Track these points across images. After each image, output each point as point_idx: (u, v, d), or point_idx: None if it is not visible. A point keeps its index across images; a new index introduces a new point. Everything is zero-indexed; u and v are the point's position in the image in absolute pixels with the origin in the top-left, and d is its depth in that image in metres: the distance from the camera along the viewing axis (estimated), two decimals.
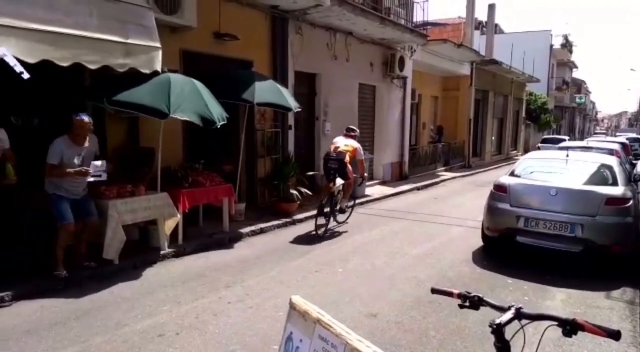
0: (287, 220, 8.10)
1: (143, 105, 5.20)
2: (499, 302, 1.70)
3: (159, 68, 5.50)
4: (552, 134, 38.47)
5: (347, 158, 7.53)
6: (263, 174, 8.75)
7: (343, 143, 7.82)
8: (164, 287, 4.90)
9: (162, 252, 5.94)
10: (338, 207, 7.79)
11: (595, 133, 49.80)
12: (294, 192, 8.46)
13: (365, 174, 8.53)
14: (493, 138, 22.22)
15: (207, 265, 5.67)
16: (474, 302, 1.78)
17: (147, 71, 5.37)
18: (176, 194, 6.09)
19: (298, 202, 8.53)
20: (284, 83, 8.82)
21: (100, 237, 5.21)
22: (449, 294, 1.86)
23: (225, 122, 6.19)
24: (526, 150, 26.59)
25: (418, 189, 12.92)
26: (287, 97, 7.49)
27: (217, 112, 5.96)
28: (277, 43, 8.82)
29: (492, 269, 5.69)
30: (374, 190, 11.77)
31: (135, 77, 5.31)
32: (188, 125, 6.98)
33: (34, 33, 4.33)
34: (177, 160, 7.02)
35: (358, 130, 8.44)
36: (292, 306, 1.95)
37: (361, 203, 10.23)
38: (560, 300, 4.75)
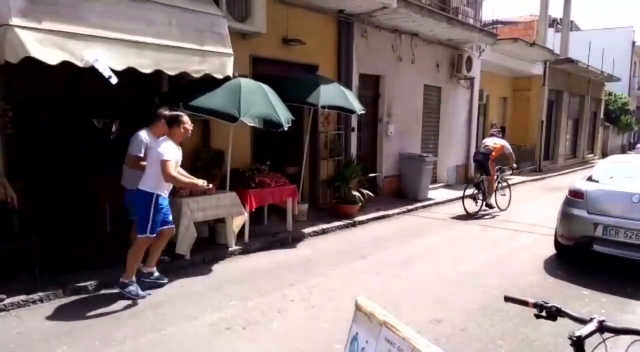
0: (349, 222, 8.14)
1: (215, 109, 5.47)
2: (579, 314, 1.62)
3: (230, 73, 5.76)
4: (635, 137, 35.64)
5: (493, 154, 9.17)
6: (325, 176, 8.86)
7: (492, 142, 9.43)
8: (232, 282, 5.11)
9: (229, 249, 6.19)
10: (484, 202, 9.39)
11: None
12: (356, 193, 8.50)
13: (514, 165, 10.27)
14: (568, 136, 20.90)
15: (271, 263, 5.84)
16: (551, 313, 1.71)
17: (219, 76, 5.65)
18: (244, 194, 6.33)
19: (360, 204, 8.55)
20: (348, 85, 8.89)
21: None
22: (524, 303, 1.80)
23: (290, 124, 6.35)
24: (604, 154, 24.83)
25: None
26: (351, 99, 7.55)
27: (284, 115, 6.13)
28: (342, 46, 8.90)
29: (566, 278, 5.40)
30: (437, 193, 11.51)
31: (208, 83, 5.61)
32: (256, 129, 7.23)
33: (119, 42, 4.71)
34: (245, 161, 7.29)
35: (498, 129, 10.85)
36: (358, 307, 1.99)
37: (424, 206, 10.08)
38: None
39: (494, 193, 9.60)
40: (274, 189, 6.79)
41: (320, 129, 8.73)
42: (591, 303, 4.66)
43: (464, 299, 4.73)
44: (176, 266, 5.46)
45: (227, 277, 5.30)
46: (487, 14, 14.04)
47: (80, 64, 4.39)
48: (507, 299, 1.88)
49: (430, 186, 11.67)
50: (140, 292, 4.56)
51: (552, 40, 20.16)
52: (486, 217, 9.14)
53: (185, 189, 5.53)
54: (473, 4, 12.20)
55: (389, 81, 10.31)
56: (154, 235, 4.56)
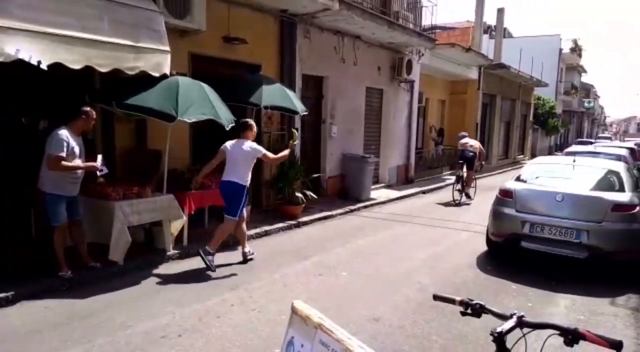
0: (292, 223, 8.13)
1: (151, 108, 5.26)
2: (501, 310, 1.70)
3: (167, 71, 5.56)
4: (561, 139, 38.28)
5: (478, 153, 11.39)
6: (269, 177, 8.78)
7: (473, 142, 11.66)
8: (168, 288, 4.94)
9: (167, 253, 5.98)
10: (465, 192, 11.25)
11: (599, 137, 45.00)
12: (299, 195, 8.49)
13: (483, 162, 12.22)
14: (500, 138, 22.14)
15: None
16: (475, 310, 1.78)
17: (156, 74, 5.43)
18: (182, 196, 6.15)
19: (303, 205, 8.56)
20: (291, 86, 8.87)
21: (107, 238, 5.27)
22: (451, 301, 1.87)
23: (234, 124, 6.23)
24: (533, 155, 26.47)
25: (424, 192, 12.91)
26: (294, 100, 7.54)
27: (226, 115, 6.01)
28: (285, 47, 8.87)
29: (497, 274, 5.68)
30: (379, 193, 11.77)
31: (144, 81, 5.38)
32: (195, 129, 7.06)
33: (46, 36, 4.40)
34: (184, 162, 7.08)
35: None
36: (294, 311, 1.97)
37: (366, 206, 10.26)
38: (564, 306, 4.73)
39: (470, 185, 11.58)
40: (214, 190, 6.62)
41: (263, 130, 8.64)
42: (518, 297, 4.94)
43: (402, 297, 4.86)
44: (109, 272, 5.20)
45: (163, 283, 5.12)
46: (427, 18, 14.61)
47: (0, 58, 4.07)
48: (436, 297, 1.95)
49: (373, 186, 11.91)
50: (214, 266, 5.48)
51: (487, 46, 21.22)
52: (423, 216, 9.47)
53: (117, 191, 5.31)
54: (413, 9, 12.56)
55: (332, 83, 10.40)
56: (238, 218, 5.77)
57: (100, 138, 6.41)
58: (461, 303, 1.83)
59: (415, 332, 4.03)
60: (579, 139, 36.20)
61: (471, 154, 11.28)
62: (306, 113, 8.15)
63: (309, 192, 8.62)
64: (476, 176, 12.07)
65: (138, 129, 6.67)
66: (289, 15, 8.70)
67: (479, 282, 5.41)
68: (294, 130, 6.43)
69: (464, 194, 11.24)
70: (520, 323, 1.64)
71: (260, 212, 8.42)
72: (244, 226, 6.06)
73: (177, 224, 6.10)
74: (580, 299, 4.92)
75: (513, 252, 6.11)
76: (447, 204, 11.13)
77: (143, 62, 5.28)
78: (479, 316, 1.80)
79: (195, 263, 5.86)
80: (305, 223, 8.36)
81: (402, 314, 4.39)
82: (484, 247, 6.70)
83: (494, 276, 5.65)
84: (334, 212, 9.25)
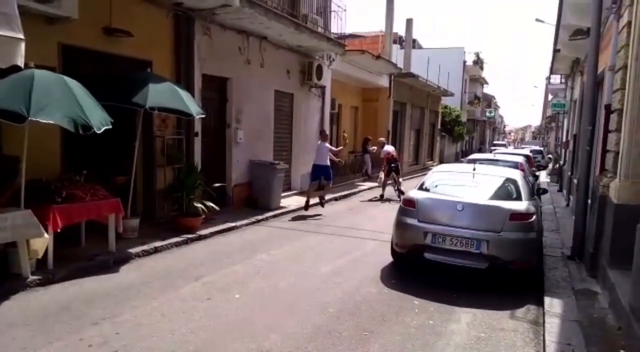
0: (189, 236, 7.36)
1: None
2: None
3: (19, 62, 4.59)
4: (466, 145, 40.69)
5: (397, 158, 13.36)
6: (163, 186, 7.93)
7: (391, 149, 13.46)
8: (14, 326, 4.02)
9: (26, 280, 5.00)
10: (398, 190, 12.82)
11: (494, 144, 44.01)
12: (199, 205, 7.73)
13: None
14: (411, 144, 22.84)
15: (77, 295, 4.82)
16: None
17: (2, 65, 4.47)
18: (45, 210, 5.19)
19: (202, 217, 7.81)
20: (189, 86, 8.13)
21: None
22: None
23: (110, 127, 5.40)
24: (441, 161, 27.68)
25: (336, 200, 12.66)
26: (187, 101, 6.80)
27: (97, 116, 5.17)
28: (181, 44, 8.09)
29: (400, 288, 5.41)
30: (290, 201, 11.31)
31: None
32: (68, 131, 6.06)
33: None
34: (53, 171, 6.07)
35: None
36: None
37: (275, 215, 9.75)
38: (466, 323, 4.52)
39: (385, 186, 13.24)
40: (88, 203, 5.72)
41: (156, 133, 7.79)
42: (421, 314, 4.67)
43: (297, 322, 4.36)
44: None
45: (11, 319, 4.17)
46: (338, 25, 14.67)
47: None
48: None
49: (284, 194, 11.43)
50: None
51: (397, 55, 21.75)
52: (326, 224, 9.13)
53: None
54: (322, 13, 12.33)
55: (237, 85, 9.76)
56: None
57: None
58: None
59: None
60: (494, 142, 43.52)
61: (396, 162, 13.14)
62: (203, 116, 7.46)
63: (209, 204, 7.87)
64: (388, 181, 13.23)
65: None
66: (185, 9, 7.95)
67: (382, 299, 5.08)
68: (344, 134, 10.25)
69: (398, 192, 12.76)
70: None
71: (153, 225, 7.53)
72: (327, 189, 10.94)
73: (40, 244, 5.13)
74: (481, 313, 4.76)
75: (418, 263, 5.90)
76: (357, 211, 10.97)
77: None
78: None
79: (58, 290, 4.93)
80: (205, 237, 7.63)
81: (294, 344, 3.88)
82: (390, 258, 6.45)
83: (397, 290, 5.36)
84: (238, 223, 8.60)
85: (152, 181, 7.82)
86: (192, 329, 4.10)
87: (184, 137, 8.32)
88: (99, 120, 5.16)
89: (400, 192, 12.54)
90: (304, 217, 9.87)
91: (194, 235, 7.48)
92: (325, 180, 10.60)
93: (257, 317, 4.45)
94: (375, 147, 14.90)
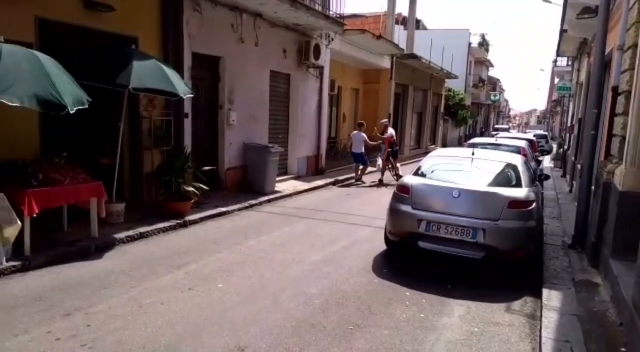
0: (178, 222, 7.13)
1: None
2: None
3: None
4: (470, 129, 40.18)
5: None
6: (151, 169, 7.67)
7: (394, 132, 13.58)
8: None
9: None
10: (396, 175, 12.92)
11: (496, 128, 40.53)
12: (189, 188, 7.47)
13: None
14: (413, 128, 22.43)
15: (53, 284, 4.60)
16: None
17: None
18: (19, 194, 4.95)
19: (192, 201, 7.57)
20: (179, 66, 7.79)
21: None
22: None
23: (86, 106, 5.11)
24: (444, 145, 27.30)
25: (333, 184, 12.40)
26: (174, 80, 6.47)
27: (73, 95, 4.87)
28: (168, 19, 7.72)
29: (392, 278, 5.17)
30: (286, 185, 11.06)
31: None
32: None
33: None
34: (32, 152, 5.82)
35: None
36: None
37: (269, 200, 9.52)
38: (459, 316, 4.29)
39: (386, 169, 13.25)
40: (67, 186, 5.47)
41: (143, 114, 7.50)
42: (411, 306, 4.43)
43: (280, 314, 4.14)
44: None
45: None
46: (340, 3, 14.14)
47: None
48: None
49: (280, 178, 11.18)
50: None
51: (399, 36, 21.19)
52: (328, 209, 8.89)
53: None
54: None
55: (230, 64, 9.41)
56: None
57: None
58: None
59: None
60: (496, 127, 43.58)
61: (396, 146, 13.46)
62: (192, 96, 7.15)
63: (198, 185, 7.60)
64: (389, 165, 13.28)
65: None
66: None
67: (372, 290, 4.85)
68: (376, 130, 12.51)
69: (396, 176, 12.79)
70: None
71: (140, 210, 7.27)
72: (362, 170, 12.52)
73: (13, 230, 4.89)
74: (475, 305, 4.52)
75: (412, 251, 5.65)
76: (354, 196, 10.72)
77: None
78: None
79: (33, 278, 4.72)
80: (195, 222, 7.40)
81: (274, 339, 3.66)
82: (383, 246, 6.21)
83: (388, 280, 5.12)
84: (230, 208, 8.36)
85: (139, 164, 7.56)
86: (168, 321, 3.88)
87: (173, 119, 8.01)
88: (74, 98, 4.85)
89: (399, 177, 12.42)
90: (299, 202, 9.61)
91: (183, 220, 7.24)
92: (362, 164, 12.48)
93: (238, 309, 4.22)
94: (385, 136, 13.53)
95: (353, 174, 13.14)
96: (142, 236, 6.42)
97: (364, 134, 12.28)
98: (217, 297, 4.48)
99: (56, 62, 4.96)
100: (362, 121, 13.52)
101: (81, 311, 3.99)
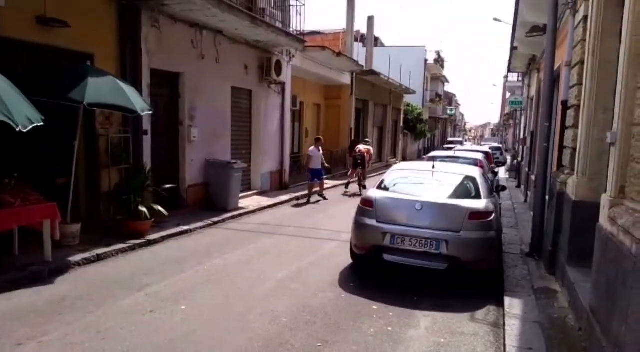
0: (138, 242, 6.89)
1: None
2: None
3: None
4: (428, 143, 41.25)
5: (366, 155, 14.07)
6: (109, 188, 7.40)
7: (363, 147, 14.35)
8: None
9: None
10: (362, 185, 13.70)
11: (449, 141, 38.17)
12: (143, 209, 7.20)
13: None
14: (374, 142, 22.79)
15: (4, 311, 4.32)
16: None
17: None
18: None
19: (152, 220, 7.34)
20: (137, 81, 7.63)
21: None
22: None
23: (40, 124, 4.89)
24: (404, 158, 27.86)
25: (297, 199, 12.36)
26: (131, 97, 6.32)
27: (23, 113, 4.66)
28: (126, 36, 7.56)
29: (359, 293, 5.17)
30: (250, 201, 10.95)
31: None
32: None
33: None
34: None
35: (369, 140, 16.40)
36: None
37: (233, 217, 9.38)
38: (425, 328, 4.33)
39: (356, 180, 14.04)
40: (17, 209, 5.19)
41: (99, 132, 7.25)
42: (379, 320, 4.44)
43: (247, 334, 4.04)
44: None
45: None
46: (298, 21, 14.30)
47: None
48: None
49: (243, 194, 11.05)
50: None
51: (360, 53, 21.64)
52: (287, 227, 8.84)
53: None
54: (281, 7, 11.97)
55: (190, 80, 9.29)
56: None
57: None
58: None
59: None
60: (449, 139, 43.96)
61: (360, 156, 13.94)
62: (150, 112, 7.00)
63: (157, 206, 7.39)
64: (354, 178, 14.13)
65: None
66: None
67: (339, 305, 4.83)
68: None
69: (361, 187, 13.53)
70: None
71: (96, 231, 6.96)
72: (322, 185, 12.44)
73: None
74: (441, 316, 4.58)
75: (377, 265, 5.69)
76: (319, 210, 10.72)
77: None
78: None
79: None
80: (155, 242, 7.18)
81: None
82: (349, 260, 6.22)
83: (356, 294, 5.12)
84: (192, 227, 8.17)
85: (97, 183, 7.28)
86: (129, 347, 3.71)
87: (131, 136, 7.78)
88: (25, 117, 4.65)
89: (364, 188, 13.01)
90: (264, 218, 9.52)
91: (143, 240, 7.01)
92: (318, 180, 12.39)
93: (203, 331, 4.10)
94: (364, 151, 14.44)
95: (316, 189, 13.15)
96: (99, 257, 6.16)
97: (320, 150, 12.40)
98: (181, 319, 4.33)
99: (5, 78, 4.75)
100: (319, 136, 13.59)
101: (34, 340, 3.76)
